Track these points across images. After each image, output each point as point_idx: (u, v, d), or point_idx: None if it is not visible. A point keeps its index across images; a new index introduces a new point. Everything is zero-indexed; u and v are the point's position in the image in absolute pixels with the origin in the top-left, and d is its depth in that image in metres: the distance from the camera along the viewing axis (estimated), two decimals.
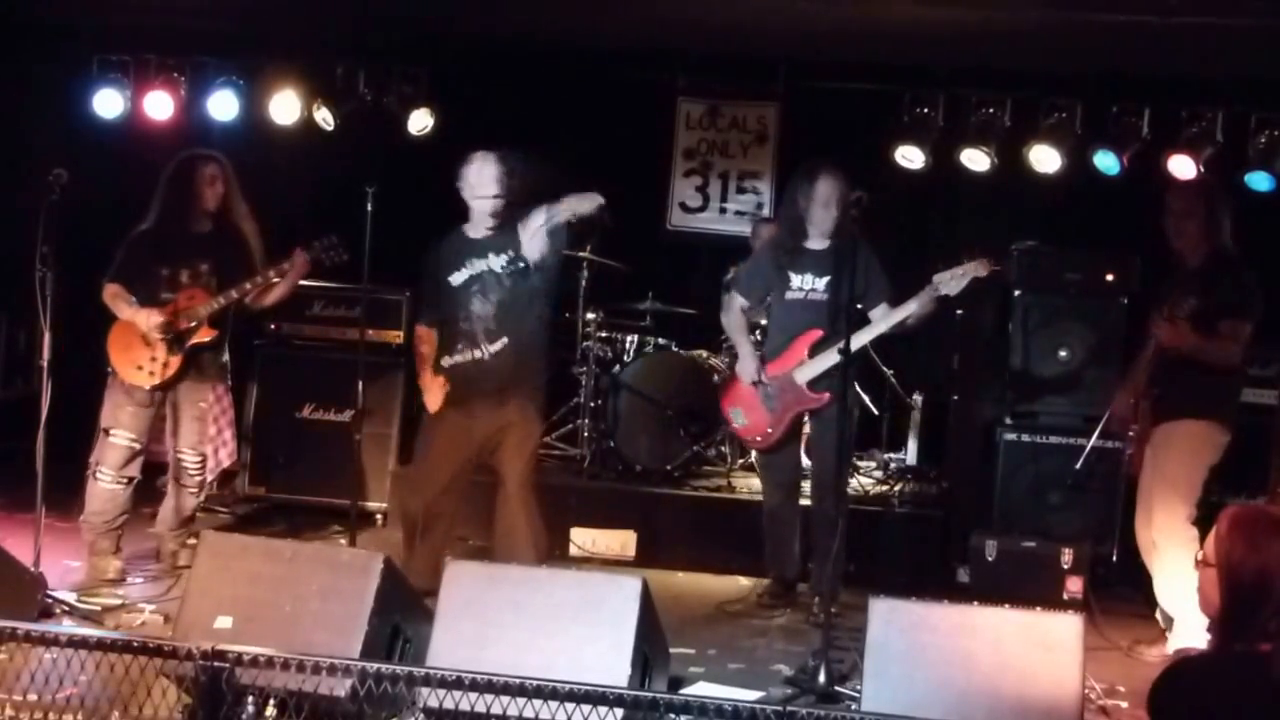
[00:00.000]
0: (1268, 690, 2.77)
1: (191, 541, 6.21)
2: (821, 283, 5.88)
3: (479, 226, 5.80)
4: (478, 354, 5.73)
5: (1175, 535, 5.42)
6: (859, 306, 5.86)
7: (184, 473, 6.11)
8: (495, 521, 5.91)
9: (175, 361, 5.91)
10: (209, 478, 6.23)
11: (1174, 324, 5.46)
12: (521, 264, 5.68)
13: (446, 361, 5.78)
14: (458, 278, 5.76)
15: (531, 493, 5.87)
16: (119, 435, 5.95)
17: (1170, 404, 5.51)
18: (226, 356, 6.18)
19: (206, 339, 5.95)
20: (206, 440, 6.10)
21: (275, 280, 6.02)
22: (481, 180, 5.73)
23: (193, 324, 5.90)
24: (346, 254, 5.96)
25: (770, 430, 6.04)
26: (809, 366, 5.90)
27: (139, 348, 5.90)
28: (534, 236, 5.64)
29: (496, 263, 5.72)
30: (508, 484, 5.82)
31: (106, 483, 5.95)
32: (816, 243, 5.93)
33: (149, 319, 5.84)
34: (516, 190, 5.76)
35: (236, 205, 6.11)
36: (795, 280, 5.94)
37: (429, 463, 5.88)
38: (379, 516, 7.17)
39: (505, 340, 5.71)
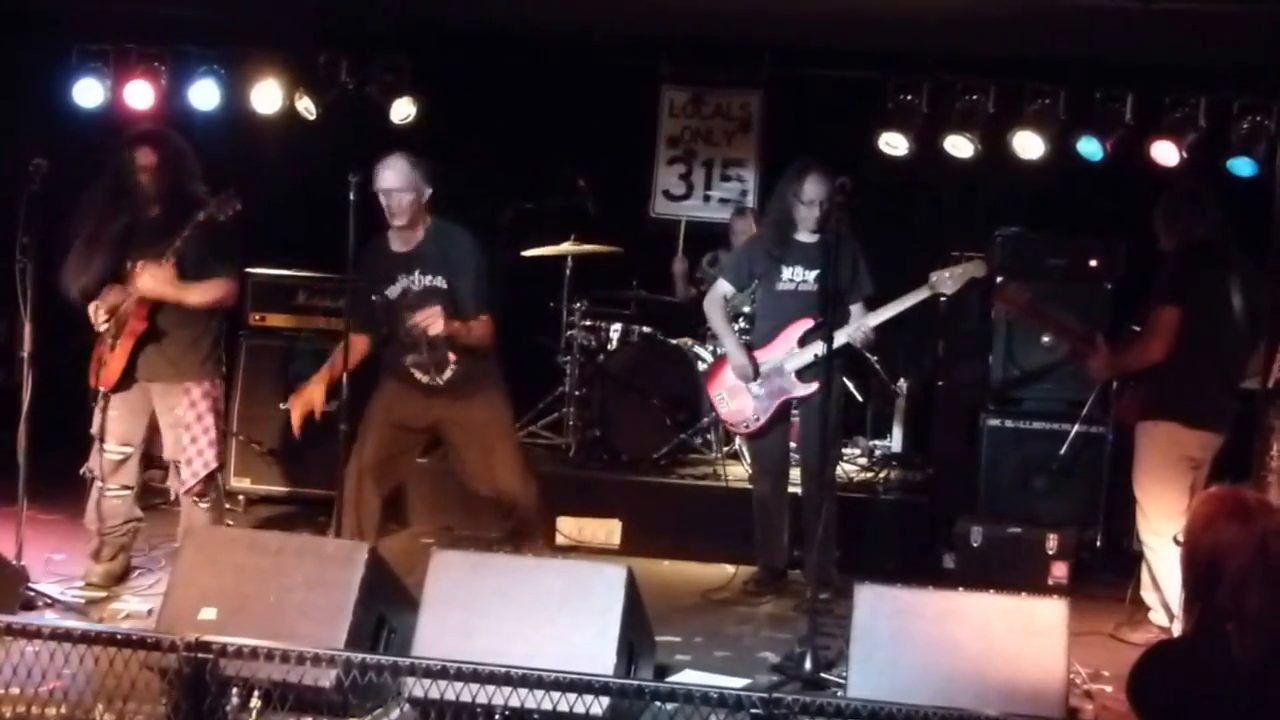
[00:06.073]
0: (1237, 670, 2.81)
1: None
2: (811, 275, 5.95)
3: None
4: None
5: (1146, 535, 5.50)
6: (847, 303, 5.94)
7: (178, 481, 5.63)
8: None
9: (114, 359, 5.43)
10: (190, 486, 5.58)
11: (1096, 350, 5.60)
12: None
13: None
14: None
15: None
16: (108, 445, 5.57)
17: (1140, 403, 5.59)
18: (209, 349, 5.62)
19: (140, 330, 5.42)
20: (180, 450, 5.55)
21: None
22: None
23: (120, 317, 5.41)
24: (239, 203, 5.38)
25: (758, 418, 6.06)
26: (798, 355, 5.94)
27: (95, 348, 5.52)
28: None
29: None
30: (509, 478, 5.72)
31: (104, 493, 5.57)
32: (805, 236, 5.99)
33: (94, 308, 5.41)
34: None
35: (185, 180, 5.54)
36: (786, 272, 6.00)
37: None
38: None
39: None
